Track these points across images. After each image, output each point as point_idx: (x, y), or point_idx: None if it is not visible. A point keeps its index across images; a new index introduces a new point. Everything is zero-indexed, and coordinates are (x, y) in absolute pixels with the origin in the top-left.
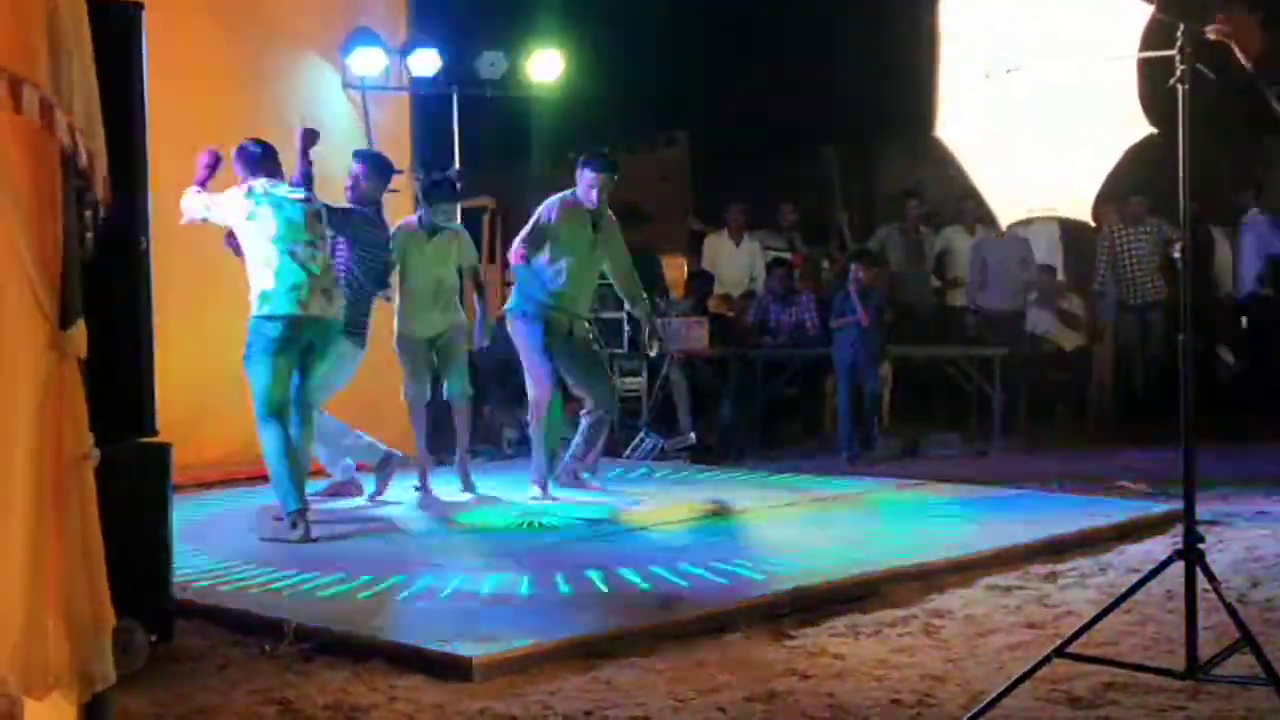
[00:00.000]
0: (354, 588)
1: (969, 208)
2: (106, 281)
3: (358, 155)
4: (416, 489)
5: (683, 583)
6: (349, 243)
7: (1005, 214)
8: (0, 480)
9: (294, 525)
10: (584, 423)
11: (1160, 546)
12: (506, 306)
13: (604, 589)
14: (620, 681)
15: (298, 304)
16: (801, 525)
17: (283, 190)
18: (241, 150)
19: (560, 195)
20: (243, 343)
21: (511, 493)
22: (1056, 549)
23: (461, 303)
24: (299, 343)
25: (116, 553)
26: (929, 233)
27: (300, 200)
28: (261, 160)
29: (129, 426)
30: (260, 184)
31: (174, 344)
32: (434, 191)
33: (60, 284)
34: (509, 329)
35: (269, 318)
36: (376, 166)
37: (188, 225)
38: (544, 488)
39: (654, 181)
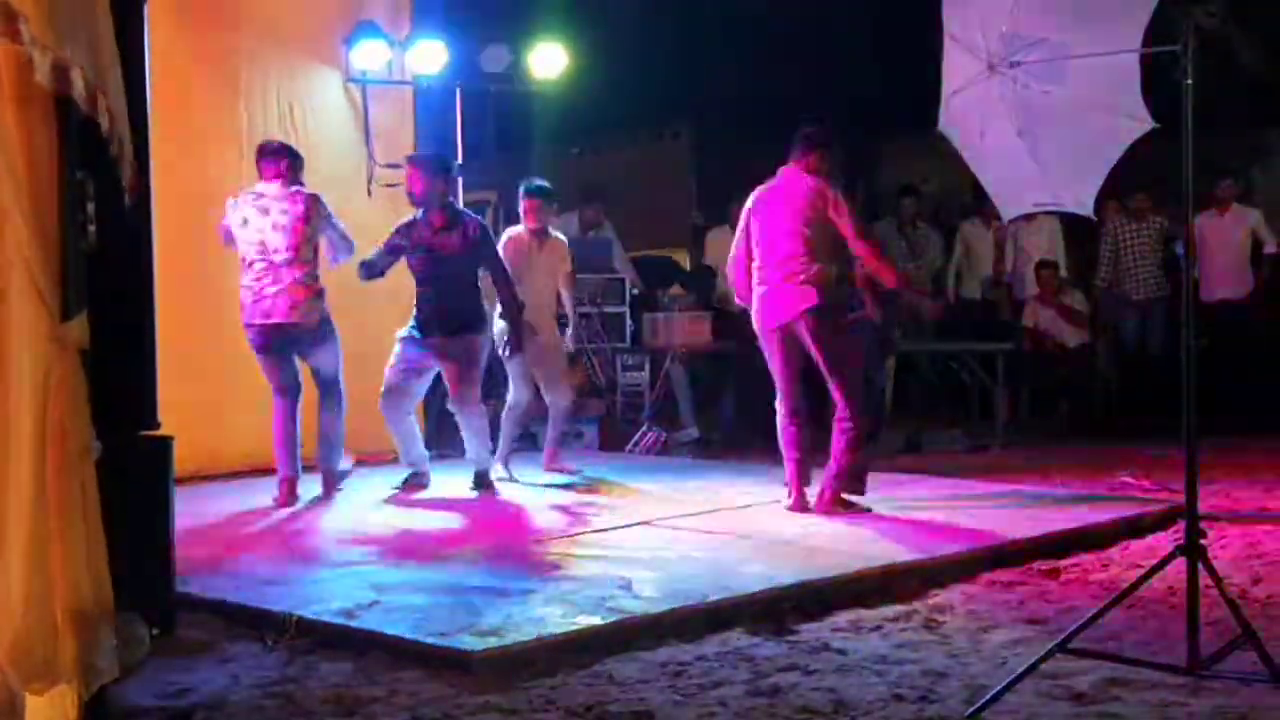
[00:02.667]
0: (360, 580)
1: (968, 202)
2: (108, 274)
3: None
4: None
5: (683, 577)
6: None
7: (1008, 209)
8: (1, 473)
9: (278, 488)
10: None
11: (1162, 542)
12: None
13: (606, 584)
14: (622, 675)
15: (260, 314)
16: (803, 519)
17: (271, 192)
18: (260, 147)
19: (828, 180)
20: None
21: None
22: (1059, 544)
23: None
24: (273, 348)
25: (118, 545)
26: (926, 229)
27: (286, 203)
28: (270, 156)
29: (130, 420)
30: (246, 193)
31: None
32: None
33: (62, 276)
34: (838, 328)
35: (245, 324)
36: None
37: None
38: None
39: (656, 175)
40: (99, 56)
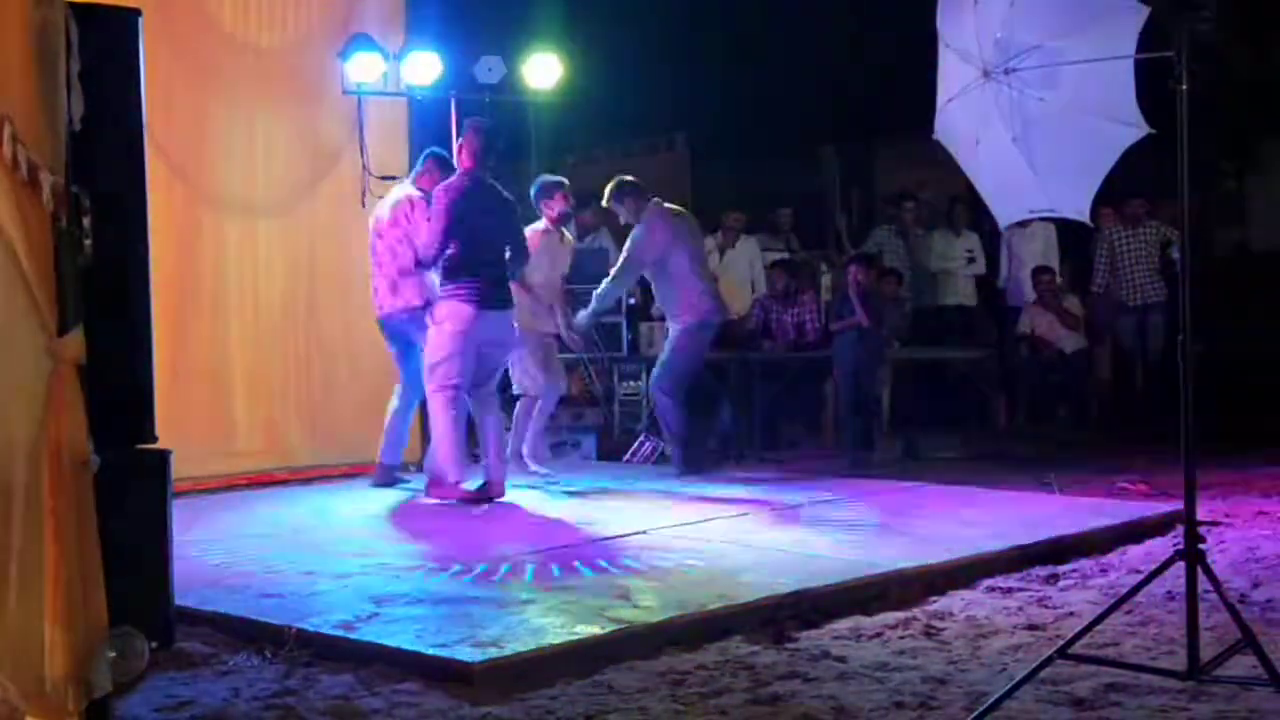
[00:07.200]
0: (360, 592)
1: (959, 210)
2: (105, 288)
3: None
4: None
5: (681, 586)
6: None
7: (1004, 216)
8: None
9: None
10: None
11: (1161, 547)
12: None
13: (605, 593)
14: (622, 685)
15: (377, 305)
16: (802, 527)
17: (392, 189)
18: None
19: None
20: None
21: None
22: (1057, 550)
23: None
24: (391, 337)
25: (116, 559)
26: (924, 235)
27: (388, 205)
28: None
29: (128, 433)
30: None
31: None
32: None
33: (58, 289)
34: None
35: None
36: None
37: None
38: None
39: (652, 186)
40: (10, 81)
